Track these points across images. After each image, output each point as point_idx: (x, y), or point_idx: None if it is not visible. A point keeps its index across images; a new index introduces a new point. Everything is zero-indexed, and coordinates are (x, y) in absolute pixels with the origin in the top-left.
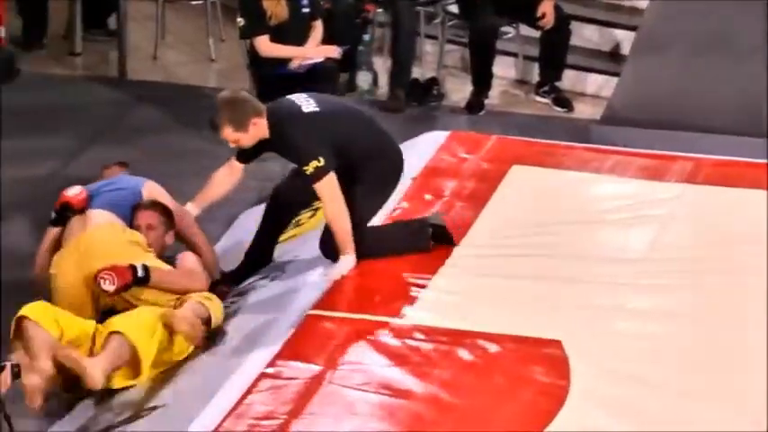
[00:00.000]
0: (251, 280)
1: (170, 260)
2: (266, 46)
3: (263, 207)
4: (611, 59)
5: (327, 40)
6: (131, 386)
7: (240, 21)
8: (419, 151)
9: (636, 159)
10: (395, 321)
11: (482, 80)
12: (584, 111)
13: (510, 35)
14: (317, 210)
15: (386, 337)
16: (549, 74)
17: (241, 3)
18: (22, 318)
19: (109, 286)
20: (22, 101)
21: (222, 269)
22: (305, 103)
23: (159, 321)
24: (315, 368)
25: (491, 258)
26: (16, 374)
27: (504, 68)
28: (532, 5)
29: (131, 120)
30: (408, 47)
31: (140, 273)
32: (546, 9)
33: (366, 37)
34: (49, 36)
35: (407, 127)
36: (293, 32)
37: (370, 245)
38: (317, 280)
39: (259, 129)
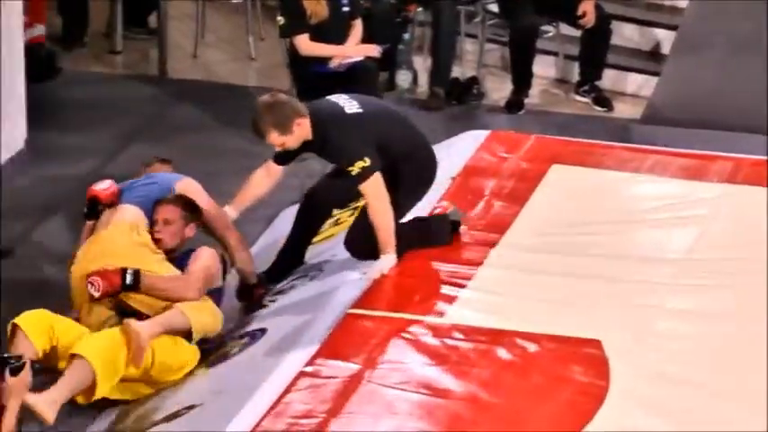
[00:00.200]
0: (290, 279)
1: (187, 255)
2: (306, 45)
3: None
4: (651, 59)
5: (367, 39)
6: (172, 384)
7: (280, 19)
8: (459, 150)
9: (676, 159)
10: (434, 320)
11: (522, 79)
12: (623, 110)
13: (550, 34)
14: (355, 209)
15: (425, 336)
16: (590, 73)
17: (281, 1)
18: (16, 326)
19: (94, 291)
20: (63, 98)
21: (259, 269)
22: (347, 104)
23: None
24: (354, 367)
25: (530, 257)
26: (24, 369)
27: (544, 67)
28: (573, 4)
29: (171, 118)
30: (448, 46)
31: (128, 280)
32: (587, 8)
33: (406, 36)
34: (90, 34)
35: (447, 126)
36: (333, 31)
37: (396, 242)
38: (356, 279)
39: (303, 130)
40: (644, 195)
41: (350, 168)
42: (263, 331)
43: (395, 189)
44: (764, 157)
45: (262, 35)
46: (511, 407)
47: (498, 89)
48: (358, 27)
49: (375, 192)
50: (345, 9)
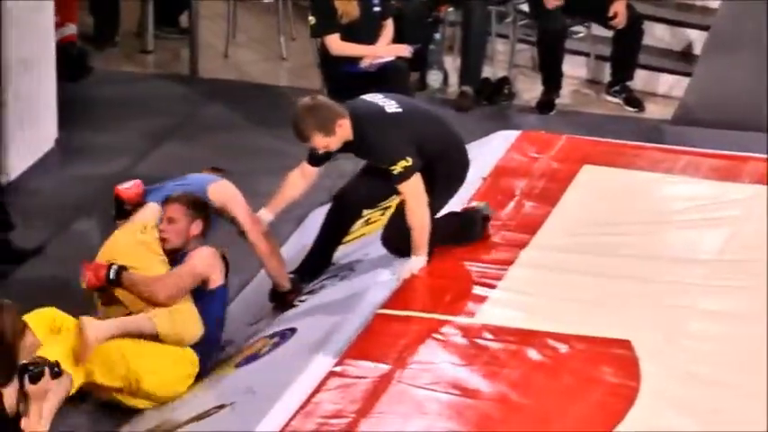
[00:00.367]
0: (320, 279)
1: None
2: (337, 44)
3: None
4: (682, 59)
5: (398, 39)
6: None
7: (311, 19)
8: (490, 150)
9: (707, 160)
10: (464, 321)
11: (552, 80)
12: (655, 111)
13: (581, 35)
14: (386, 209)
15: (455, 336)
16: (621, 74)
17: (312, 1)
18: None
19: (83, 282)
20: (95, 98)
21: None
22: (386, 103)
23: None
24: (383, 367)
25: (561, 258)
26: (57, 374)
27: (575, 68)
28: (605, 5)
29: (202, 118)
30: (478, 46)
31: (111, 275)
32: (618, 9)
33: (437, 36)
34: (122, 34)
35: (478, 126)
36: (364, 31)
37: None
38: (386, 279)
39: (344, 130)
40: (675, 196)
41: (392, 168)
42: (293, 331)
43: (429, 186)
44: None
45: (293, 35)
46: (541, 407)
47: (529, 89)
48: (389, 27)
49: (414, 192)
50: (376, 9)
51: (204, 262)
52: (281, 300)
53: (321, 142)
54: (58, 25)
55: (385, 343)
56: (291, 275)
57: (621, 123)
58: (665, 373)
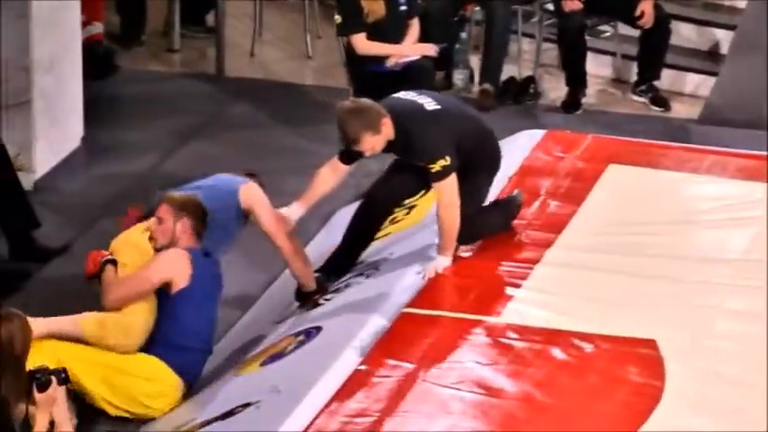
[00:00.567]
0: (346, 277)
1: None
2: (363, 43)
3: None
4: (709, 59)
5: (423, 38)
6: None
7: (337, 18)
8: (515, 150)
9: (734, 160)
10: (489, 320)
11: (575, 79)
12: (681, 110)
13: (608, 34)
14: (411, 208)
15: (480, 335)
16: (648, 73)
17: (339, 0)
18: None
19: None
20: (121, 96)
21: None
22: (425, 100)
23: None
24: (408, 366)
25: (587, 257)
26: (64, 380)
27: (601, 67)
28: (632, 4)
29: (228, 116)
30: (500, 45)
31: (99, 266)
32: (645, 8)
33: (463, 35)
34: (148, 33)
35: (504, 125)
36: (390, 30)
37: (474, 232)
38: (411, 278)
39: (388, 129)
40: (702, 196)
41: (431, 166)
42: (318, 329)
43: (470, 179)
44: None
45: (319, 34)
46: (565, 407)
47: (555, 89)
48: (415, 26)
49: (449, 191)
50: (403, 8)
51: (162, 266)
52: (307, 299)
53: (370, 142)
54: (85, 24)
55: (410, 342)
56: (317, 274)
57: (648, 123)
58: (691, 373)
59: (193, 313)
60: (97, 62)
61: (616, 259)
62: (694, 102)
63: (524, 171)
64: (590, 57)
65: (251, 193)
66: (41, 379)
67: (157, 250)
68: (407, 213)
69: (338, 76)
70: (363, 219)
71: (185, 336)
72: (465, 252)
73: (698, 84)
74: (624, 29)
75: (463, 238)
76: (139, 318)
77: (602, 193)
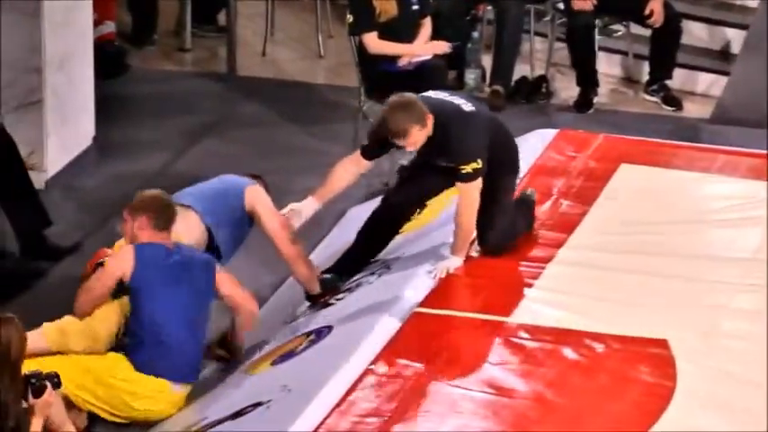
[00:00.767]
0: (357, 277)
1: None
2: (374, 43)
3: (371, 204)
4: (720, 58)
5: (435, 37)
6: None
7: (349, 17)
8: (527, 149)
9: (745, 159)
10: (500, 320)
11: (586, 79)
12: (693, 110)
13: (620, 33)
14: (422, 207)
15: (491, 335)
16: (660, 72)
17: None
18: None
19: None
20: (132, 96)
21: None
22: (460, 101)
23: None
24: (419, 366)
25: (598, 257)
26: (57, 384)
27: (612, 66)
28: (641, 4)
29: (240, 115)
30: (512, 45)
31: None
32: (654, 7)
33: (475, 34)
34: (160, 32)
35: (516, 124)
36: (402, 29)
37: (508, 241)
38: (423, 278)
39: (431, 125)
40: (713, 195)
41: (462, 167)
42: (329, 329)
43: (494, 187)
44: None
45: (331, 33)
46: (576, 407)
47: (567, 88)
48: (427, 25)
49: (473, 194)
50: (415, 7)
51: (110, 266)
52: (315, 301)
53: (415, 136)
54: (96, 23)
55: (421, 342)
56: (328, 275)
57: (659, 122)
58: (702, 373)
59: (149, 306)
60: (109, 61)
61: (627, 259)
62: (706, 101)
63: (536, 170)
64: (602, 56)
65: (255, 196)
66: (36, 384)
67: None
68: (419, 213)
69: (350, 76)
70: (378, 225)
71: (143, 329)
72: (476, 252)
73: (710, 83)
74: (636, 28)
75: (500, 249)
76: (101, 318)
77: (613, 192)
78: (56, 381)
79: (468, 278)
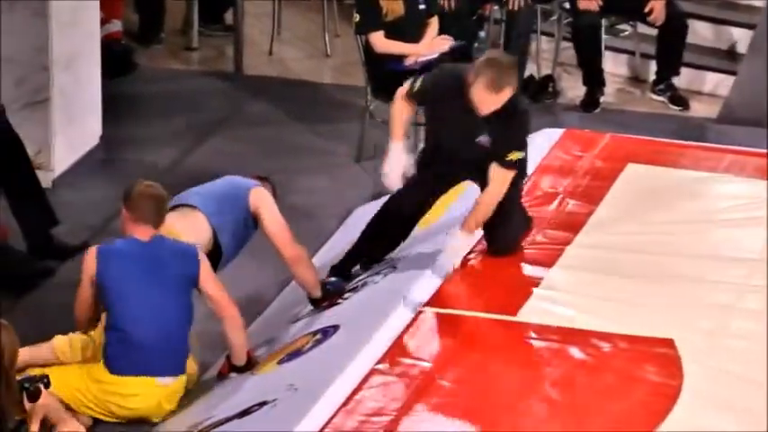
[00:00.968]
0: (363, 276)
1: None
2: (380, 42)
3: (376, 204)
4: (727, 57)
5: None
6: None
7: (356, 16)
8: (534, 149)
9: (752, 159)
10: (507, 319)
11: (592, 78)
12: (700, 109)
13: (627, 33)
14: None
15: (498, 334)
16: (666, 70)
17: None
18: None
19: None
20: (140, 95)
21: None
22: None
23: None
24: (426, 365)
25: (604, 256)
26: (46, 384)
27: (619, 66)
28: (647, 3)
29: (246, 114)
30: (521, 44)
31: None
32: (654, 5)
33: (482, 34)
34: (167, 31)
35: None
36: (409, 29)
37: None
38: (429, 277)
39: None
40: (720, 195)
41: (508, 153)
42: (335, 328)
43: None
44: None
45: (337, 32)
46: (583, 406)
47: (573, 87)
48: (434, 25)
49: (507, 182)
50: (422, 7)
51: (83, 268)
52: (317, 305)
53: (503, 100)
54: (103, 22)
55: (427, 341)
56: (334, 279)
57: (666, 122)
58: (708, 373)
59: (118, 303)
60: (116, 60)
61: (634, 258)
62: (713, 101)
63: (543, 170)
64: (609, 55)
65: (259, 198)
66: (30, 388)
67: None
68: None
69: (356, 75)
70: (382, 227)
71: (112, 327)
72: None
73: (717, 83)
74: (643, 28)
75: (511, 248)
76: (99, 330)
77: (620, 191)
78: (46, 381)
79: (474, 277)
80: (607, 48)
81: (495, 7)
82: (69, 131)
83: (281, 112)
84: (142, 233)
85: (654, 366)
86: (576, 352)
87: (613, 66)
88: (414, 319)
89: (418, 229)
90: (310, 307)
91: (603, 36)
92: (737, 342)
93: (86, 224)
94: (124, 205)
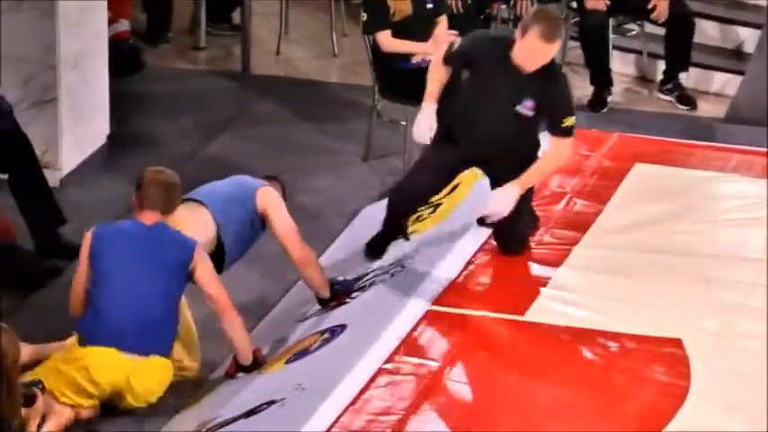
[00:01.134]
0: (370, 276)
1: None
2: (387, 41)
3: (383, 203)
4: (734, 57)
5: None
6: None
7: (363, 16)
8: (541, 148)
9: (759, 159)
10: (515, 318)
11: (599, 77)
12: (707, 109)
13: (634, 32)
14: (437, 206)
15: (505, 334)
16: (674, 71)
17: None
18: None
19: None
20: (147, 94)
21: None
22: None
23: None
24: (433, 365)
25: (612, 256)
26: (42, 389)
27: (627, 66)
28: (648, 1)
29: (254, 114)
30: None
31: None
32: (657, 2)
33: None
34: (174, 31)
35: None
36: (417, 28)
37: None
38: (437, 276)
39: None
40: (727, 194)
41: (566, 119)
42: (343, 327)
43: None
44: None
45: (345, 32)
46: (590, 406)
47: (581, 87)
48: (442, 24)
49: (567, 151)
50: (429, 6)
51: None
52: (325, 305)
53: (552, 53)
54: (111, 21)
55: (435, 340)
56: (340, 279)
57: (673, 121)
58: (715, 373)
59: (105, 281)
60: (123, 59)
61: (641, 258)
62: (720, 100)
63: None
64: (616, 55)
65: (267, 198)
66: (26, 394)
67: None
68: (433, 212)
69: (364, 74)
70: (392, 210)
71: (95, 303)
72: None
73: (724, 82)
74: (650, 27)
75: (522, 247)
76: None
77: (628, 191)
78: (41, 386)
79: (482, 277)
80: (614, 47)
81: (503, 6)
82: (77, 131)
83: (288, 111)
84: (147, 218)
85: (662, 366)
86: (584, 352)
87: (621, 65)
88: (421, 319)
89: (426, 230)
90: (318, 306)
91: (611, 35)
92: (745, 342)
93: (94, 223)
94: (135, 190)
